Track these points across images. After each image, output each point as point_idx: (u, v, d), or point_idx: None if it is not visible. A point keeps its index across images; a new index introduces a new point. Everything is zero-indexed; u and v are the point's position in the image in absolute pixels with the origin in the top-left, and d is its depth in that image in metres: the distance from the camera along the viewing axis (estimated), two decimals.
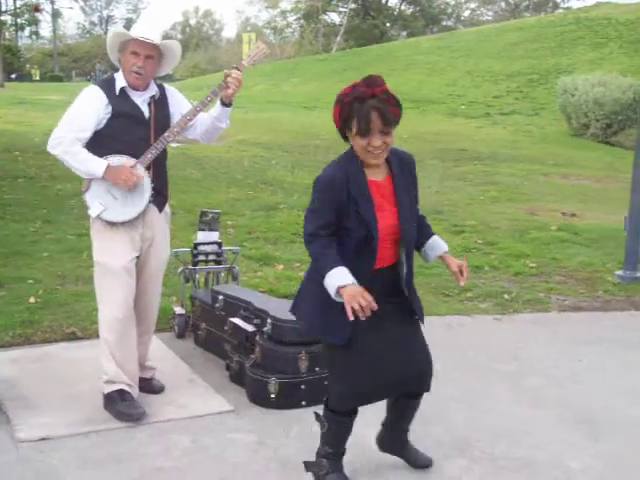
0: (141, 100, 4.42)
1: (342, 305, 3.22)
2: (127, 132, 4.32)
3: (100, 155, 4.26)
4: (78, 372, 4.99)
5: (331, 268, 3.26)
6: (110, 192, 4.30)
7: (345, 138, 3.43)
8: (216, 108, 4.51)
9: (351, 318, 3.19)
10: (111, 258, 4.34)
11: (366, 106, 3.22)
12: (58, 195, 10.88)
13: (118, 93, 4.37)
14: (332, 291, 3.26)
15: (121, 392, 4.38)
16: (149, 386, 4.70)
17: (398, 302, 3.52)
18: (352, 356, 3.44)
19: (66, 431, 4.15)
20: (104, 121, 4.32)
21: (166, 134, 4.38)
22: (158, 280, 4.69)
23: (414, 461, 3.88)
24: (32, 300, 6.29)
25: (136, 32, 4.34)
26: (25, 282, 6.78)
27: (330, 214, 3.35)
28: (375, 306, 3.19)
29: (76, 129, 4.26)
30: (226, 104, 4.48)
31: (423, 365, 3.61)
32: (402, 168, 3.50)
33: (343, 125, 3.35)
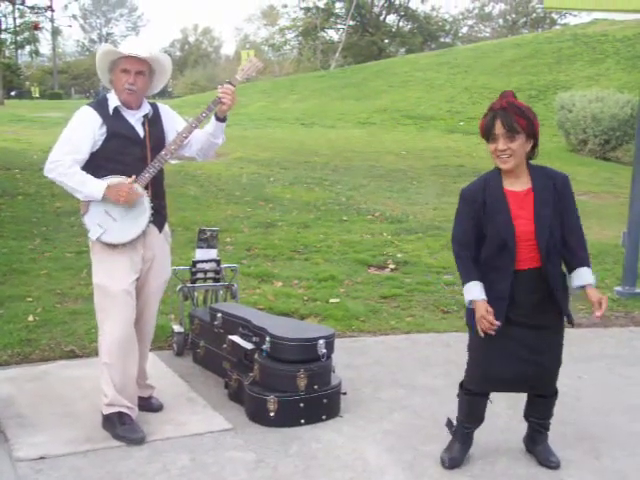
0: (135, 119, 4.41)
1: (493, 304, 3.80)
2: (123, 153, 4.31)
3: (97, 177, 4.24)
4: (76, 390, 4.98)
5: (469, 280, 3.85)
6: (109, 214, 4.28)
7: None
8: (211, 124, 4.51)
9: (482, 335, 3.80)
10: (111, 281, 4.32)
11: (492, 115, 3.74)
12: (57, 213, 10.87)
13: (112, 113, 4.35)
14: (466, 300, 3.87)
15: (120, 415, 4.36)
16: (148, 404, 4.68)
17: (543, 303, 3.89)
18: (489, 345, 3.88)
19: (64, 450, 4.13)
20: (99, 142, 4.30)
21: (163, 152, 4.37)
22: (157, 300, 4.68)
23: (542, 459, 4.14)
24: (30, 318, 6.28)
25: (123, 49, 4.35)
26: (23, 300, 6.78)
27: (468, 221, 3.86)
28: (498, 324, 3.75)
29: (72, 151, 4.25)
30: (220, 119, 4.48)
31: (547, 368, 4.00)
32: (545, 183, 3.83)
33: (483, 134, 3.82)
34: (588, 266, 3.95)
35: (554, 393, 4.16)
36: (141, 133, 4.41)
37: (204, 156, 4.67)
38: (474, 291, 3.82)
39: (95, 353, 5.66)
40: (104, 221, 4.28)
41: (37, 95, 52.94)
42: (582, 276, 3.93)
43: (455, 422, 4.16)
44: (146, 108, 4.46)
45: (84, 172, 4.25)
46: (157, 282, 4.58)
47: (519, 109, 3.71)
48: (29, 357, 5.58)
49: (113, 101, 4.38)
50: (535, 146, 3.86)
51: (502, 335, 3.82)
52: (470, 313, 3.92)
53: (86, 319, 6.27)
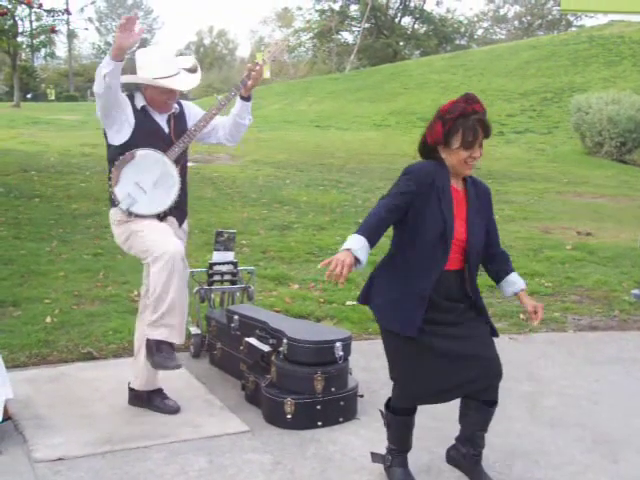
0: (161, 117, 4.49)
1: (414, 301, 3.56)
2: (150, 146, 4.37)
3: (123, 169, 4.32)
4: (94, 392, 5.00)
5: (360, 233, 3.44)
6: (139, 185, 4.34)
7: (426, 154, 3.75)
8: (236, 105, 4.57)
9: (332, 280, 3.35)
10: (153, 229, 4.35)
11: (471, 120, 3.54)
12: (74, 215, 10.92)
13: (139, 109, 4.44)
14: (342, 248, 3.41)
15: (160, 342, 4.38)
16: (165, 406, 4.70)
17: (463, 305, 3.71)
18: (414, 355, 3.63)
19: (82, 451, 4.15)
20: (128, 133, 4.36)
21: (192, 128, 4.44)
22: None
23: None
24: (48, 320, 6.31)
25: (169, 75, 4.39)
26: (41, 302, 6.81)
27: (404, 197, 3.54)
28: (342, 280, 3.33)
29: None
30: (245, 98, 4.53)
31: (488, 363, 3.73)
32: (477, 193, 3.75)
33: (444, 140, 3.59)
34: (516, 272, 3.89)
35: (495, 402, 3.86)
36: (166, 129, 4.48)
37: (232, 140, 4.73)
38: (355, 244, 3.39)
39: (112, 355, 5.72)
40: (134, 192, 4.33)
41: (53, 97, 53.21)
42: (516, 282, 3.85)
43: (387, 452, 3.94)
44: (172, 108, 4.53)
45: None
46: None
47: (484, 114, 3.61)
48: (47, 358, 5.61)
49: (140, 101, 4.45)
50: None
51: (429, 340, 3.59)
52: (386, 314, 3.69)
53: (103, 321, 6.30)
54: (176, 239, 4.37)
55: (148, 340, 4.42)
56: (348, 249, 3.37)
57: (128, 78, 4.45)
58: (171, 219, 4.49)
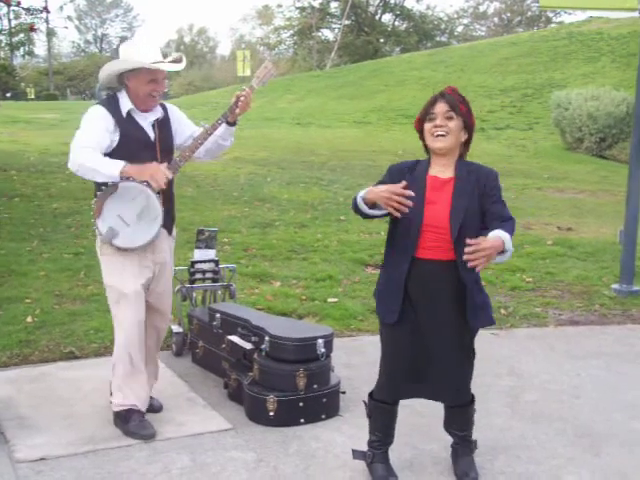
0: (147, 123, 4.41)
1: (392, 289, 3.69)
2: (134, 156, 4.23)
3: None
4: (76, 392, 4.98)
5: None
6: (122, 218, 4.25)
7: (425, 148, 3.82)
8: (220, 128, 4.53)
9: (398, 215, 3.51)
10: (122, 282, 4.34)
11: (434, 97, 3.70)
12: (54, 214, 10.86)
13: (125, 116, 4.34)
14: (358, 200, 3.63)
15: (131, 411, 4.39)
16: (148, 405, 4.69)
17: (447, 299, 3.66)
18: (392, 342, 3.75)
19: (64, 451, 4.13)
20: (113, 144, 4.28)
21: (178, 159, 4.37)
22: (169, 296, 4.72)
23: (460, 473, 3.93)
24: (29, 320, 6.28)
25: (155, 61, 4.32)
26: (22, 301, 6.78)
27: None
28: (410, 193, 3.45)
29: (93, 142, 4.17)
30: (231, 123, 4.52)
31: (454, 382, 3.77)
32: (468, 176, 3.69)
33: (421, 125, 3.74)
34: (507, 233, 3.52)
35: (469, 402, 3.92)
36: (152, 136, 4.41)
37: (210, 157, 4.74)
38: (363, 192, 3.63)
39: (94, 354, 5.71)
40: (117, 225, 4.25)
41: (32, 96, 52.98)
42: (492, 235, 3.48)
43: (369, 447, 3.98)
44: (158, 112, 4.47)
45: (103, 156, 4.18)
46: (167, 281, 4.63)
47: (462, 96, 3.71)
48: (28, 358, 5.58)
49: (126, 103, 4.35)
50: (468, 145, 3.79)
51: (402, 332, 3.68)
52: (377, 302, 3.81)
53: (85, 320, 6.28)
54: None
55: (117, 412, 4.46)
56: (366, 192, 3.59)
57: (112, 65, 4.35)
58: (162, 231, 4.43)
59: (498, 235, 3.46)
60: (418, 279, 3.65)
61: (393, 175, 3.71)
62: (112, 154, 4.26)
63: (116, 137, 4.28)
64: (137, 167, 4.13)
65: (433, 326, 3.67)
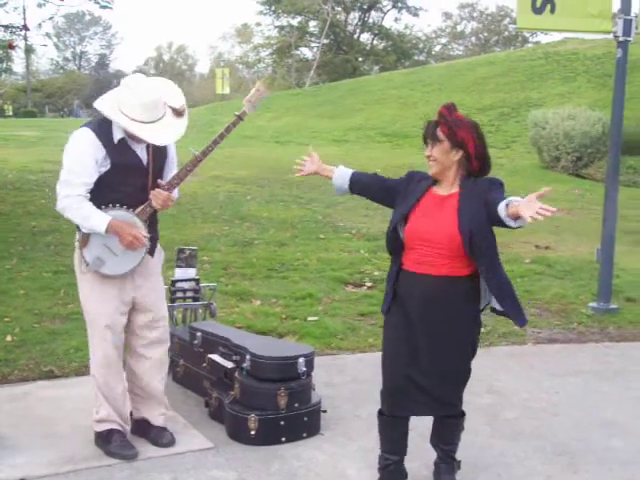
0: (140, 147, 4.29)
1: (388, 286, 3.93)
2: (125, 182, 4.22)
3: (97, 204, 4.17)
4: (57, 411, 4.97)
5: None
6: (108, 247, 4.23)
7: None
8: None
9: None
10: (99, 310, 4.32)
11: (425, 124, 3.89)
12: (33, 232, 10.81)
13: (117, 142, 4.20)
14: None
15: (112, 432, 4.38)
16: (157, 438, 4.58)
17: (440, 311, 3.79)
18: (386, 341, 3.93)
19: (45, 471, 4.12)
20: (103, 170, 4.18)
21: (166, 186, 4.30)
22: (163, 302, 4.66)
23: None
24: (9, 338, 6.26)
25: (149, 120, 4.15)
26: (1, 320, 6.75)
27: (391, 182, 4.15)
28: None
29: (80, 184, 4.14)
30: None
31: (446, 396, 3.88)
32: (471, 190, 3.76)
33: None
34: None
35: (460, 414, 4.01)
36: (144, 160, 4.30)
37: None
38: (343, 168, 4.57)
39: (74, 373, 5.69)
40: (103, 254, 4.24)
41: (10, 113, 52.69)
42: (504, 204, 3.56)
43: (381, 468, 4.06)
44: None
45: (90, 205, 4.16)
46: (156, 294, 4.55)
47: (444, 117, 3.78)
48: (8, 377, 5.56)
49: (117, 131, 4.20)
50: (471, 159, 3.76)
51: (392, 323, 3.90)
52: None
53: (65, 339, 6.26)
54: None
55: (98, 432, 4.46)
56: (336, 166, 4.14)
57: (104, 105, 4.17)
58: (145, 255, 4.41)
59: (510, 198, 3.60)
60: (405, 288, 3.84)
61: (405, 179, 4.02)
62: (100, 180, 4.19)
63: (107, 164, 4.19)
64: (121, 226, 4.16)
65: (427, 329, 3.77)
